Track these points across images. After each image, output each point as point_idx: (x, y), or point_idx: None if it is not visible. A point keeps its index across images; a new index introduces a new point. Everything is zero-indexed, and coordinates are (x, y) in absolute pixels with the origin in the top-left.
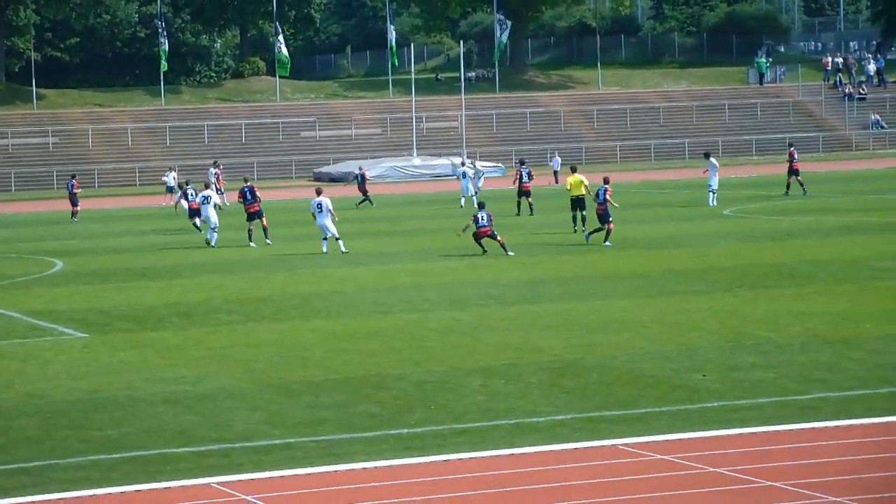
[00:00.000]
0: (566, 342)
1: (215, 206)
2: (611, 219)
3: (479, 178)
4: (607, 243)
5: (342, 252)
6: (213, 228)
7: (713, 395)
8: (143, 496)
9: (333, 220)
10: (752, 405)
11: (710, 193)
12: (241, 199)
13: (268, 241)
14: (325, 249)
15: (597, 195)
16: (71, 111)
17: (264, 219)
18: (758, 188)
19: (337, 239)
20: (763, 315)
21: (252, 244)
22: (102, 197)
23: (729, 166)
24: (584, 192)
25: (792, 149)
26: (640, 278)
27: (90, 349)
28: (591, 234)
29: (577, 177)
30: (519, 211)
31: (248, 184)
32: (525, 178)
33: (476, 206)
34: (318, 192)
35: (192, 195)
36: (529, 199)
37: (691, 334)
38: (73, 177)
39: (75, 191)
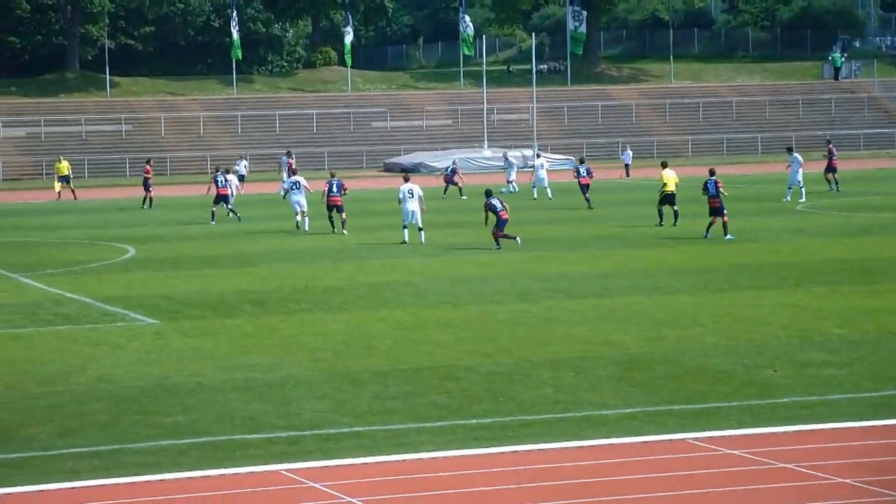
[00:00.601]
0: (635, 336)
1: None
2: (725, 210)
3: (512, 169)
4: (729, 236)
5: (420, 243)
6: (303, 212)
7: (783, 391)
8: (212, 482)
9: (421, 209)
10: (823, 401)
11: (800, 189)
12: (328, 192)
13: (344, 231)
14: (405, 239)
15: (705, 188)
16: (143, 99)
17: (343, 213)
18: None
19: (419, 229)
20: (835, 311)
21: (334, 230)
22: (174, 185)
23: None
24: (675, 188)
25: (831, 146)
26: (710, 273)
27: (161, 336)
28: (708, 228)
29: (673, 172)
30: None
31: (336, 178)
32: (583, 174)
33: (497, 197)
34: (406, 179)
35: (221, 181)
36: (586, 195)
37: (761, 330)
38: (147, 161)
39: (146, 175)
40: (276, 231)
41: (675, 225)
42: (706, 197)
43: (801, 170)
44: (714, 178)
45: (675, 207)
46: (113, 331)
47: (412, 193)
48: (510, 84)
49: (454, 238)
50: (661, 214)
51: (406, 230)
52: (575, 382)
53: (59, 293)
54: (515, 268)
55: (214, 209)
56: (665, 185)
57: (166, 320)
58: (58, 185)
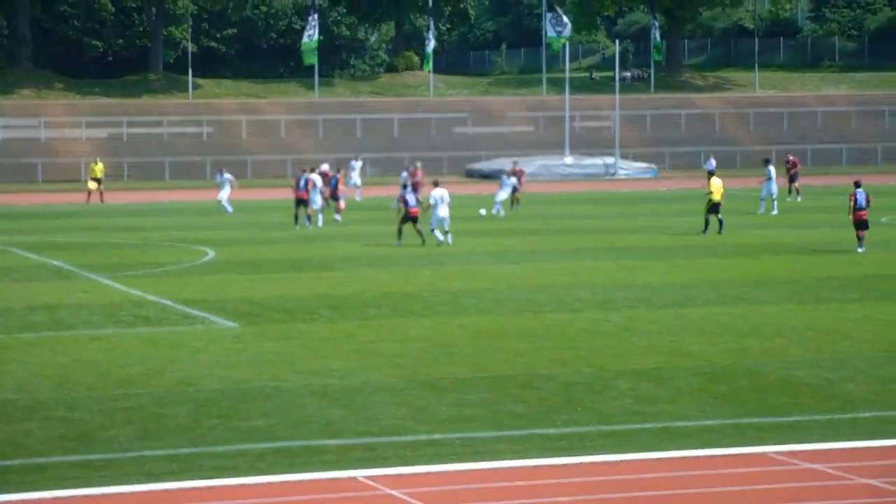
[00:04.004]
0: (717, 347)
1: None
2: (868, 225)
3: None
4: (860, 249)
5: (448, 244)
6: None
7: (866, 406)
8: (289, 486)
9: (449, 212)
10: None
11: (773, 201)
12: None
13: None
14: (440, 239)
15: (854, 200)
16: (225, 102)
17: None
18: None
19: (446, 232)
20: None
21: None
22: (254, 188)
23: (888, 174)
24: (720, 197)
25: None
26: (793, 284)
27: (240, 339)
28: (860, 241)
29: (720, 182)
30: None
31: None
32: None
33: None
34: (436, 184)
35: (303, 184)
36: (516, 195)
37: (845, 343)
38: (339, 170)
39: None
40: (356, 235)
41: (719, 233)
42: (853, 208)
43: (773, 183)
44: (861, 189)
45: (720, 216)
46: (192, 334)
47: (443, 199)
48: (593, 91)
49: (534, 245)
50: (707, 223)
51: (436, 232)
52: (655, 393)
53: (139, 295)
54: (596, 276)
55: (297, 213)
56: (711, 193)
57: (245, 324)
58: (92, 185)
